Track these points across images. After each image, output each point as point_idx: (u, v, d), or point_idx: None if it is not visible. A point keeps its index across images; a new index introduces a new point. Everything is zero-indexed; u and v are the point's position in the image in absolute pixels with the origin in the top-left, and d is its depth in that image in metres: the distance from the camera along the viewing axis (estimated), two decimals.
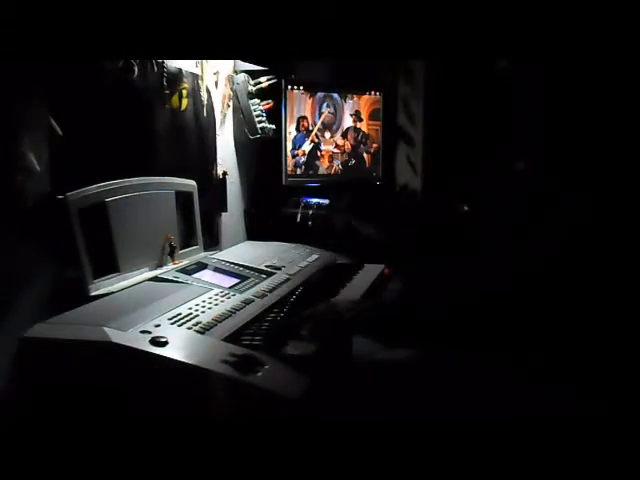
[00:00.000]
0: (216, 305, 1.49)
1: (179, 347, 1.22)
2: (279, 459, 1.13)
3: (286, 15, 1.46)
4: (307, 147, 2.87)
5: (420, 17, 1.43)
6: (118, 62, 1.75)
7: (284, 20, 1.46)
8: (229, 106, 2.50)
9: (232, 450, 1.14)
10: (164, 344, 1.21)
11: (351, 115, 3.03)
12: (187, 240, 2.03)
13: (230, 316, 1.43)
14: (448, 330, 1.27)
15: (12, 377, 1.26)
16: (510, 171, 1.33)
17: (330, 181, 2.97)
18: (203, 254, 2.03)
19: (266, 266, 1.90)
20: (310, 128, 2.88)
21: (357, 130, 3.05)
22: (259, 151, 2.73)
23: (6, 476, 1.26)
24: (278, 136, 2.69)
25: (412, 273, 2.17)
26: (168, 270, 1.75)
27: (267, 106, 2.57)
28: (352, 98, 3.03)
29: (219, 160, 2.42)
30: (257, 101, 2.52)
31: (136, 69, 1.82)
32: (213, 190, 2.38)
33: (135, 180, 1.74)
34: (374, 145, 3.12)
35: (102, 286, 1.56)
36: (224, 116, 2.47)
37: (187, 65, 2.14)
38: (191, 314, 1.39)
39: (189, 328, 1.32)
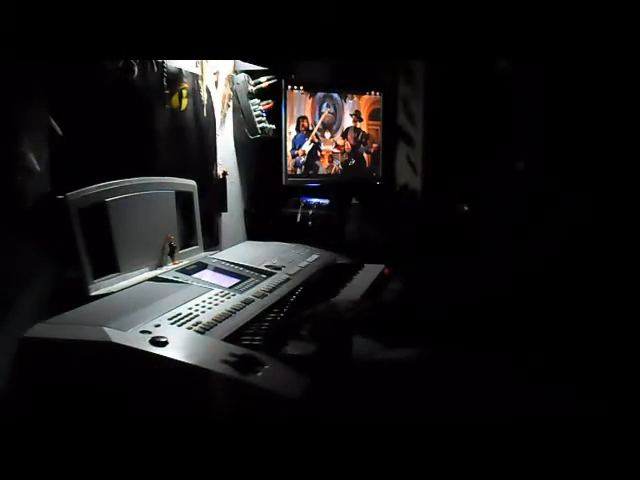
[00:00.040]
0: (216, 305, 1.49)
1: (179, 347, 1.22)
2: (279, 459, 1.13)
3: (286, 15, 1.46)
4: (307, 147, 2.87)
5: (420, 17, 1.43)
6: (118, 62, 1.75)
7: (284, 20, 1.46)
8: (229, 106, 2.50)
9: (232, 450, 1.14)
10: (164, 344, 1.21)
11: (351, 115, 3.03)
12: (187, 240, 2.03)
13: (230, 316, 1.43)
14: (448, 330, 1.27)
15: (12, 377, 1.26)
16: (510, 171, 1.33)
17: (330, 181, 2.97)
18: (203, 254, 2.03)
19: (266, 266, 1.90)
20: (310, 128, 2.88)
21: (357, 130, 3.05)
22: (259, 151, 2.73)
23: (6, 476, 1.26)
24: (278, 136, 2.69)
25: (412, 273, 2.17)
26: (168, 270, 1.75)
27: (267, 106, 2.57)
28: (352, 98, 3.03)
29: (219, 160, 2.42)
30: (257, 101, 2.52)
31: (136, 69, 1.82)
32: (213, 190, 2.38)
33: (135, 180, 1.74)
34: (374, 145, 3.12)
35: (102, 286, 1.56)
36: (224, 116, 2.47)
37: (187, 65, 2.14)
38: (191, 314, 1.39)
39: (189, 328, 1.32)
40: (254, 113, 2.50)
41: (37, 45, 1.31)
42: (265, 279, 1.77)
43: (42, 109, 1.46)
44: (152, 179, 1.83)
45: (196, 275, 1.72)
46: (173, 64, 2.04)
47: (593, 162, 1.19)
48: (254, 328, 1.42)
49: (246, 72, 2.51)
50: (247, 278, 1.75)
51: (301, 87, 2.83)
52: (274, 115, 2.63)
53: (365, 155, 3.10)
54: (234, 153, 2.60)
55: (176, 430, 1.16)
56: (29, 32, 1.29)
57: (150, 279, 1.66)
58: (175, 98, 2.08)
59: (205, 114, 2.28)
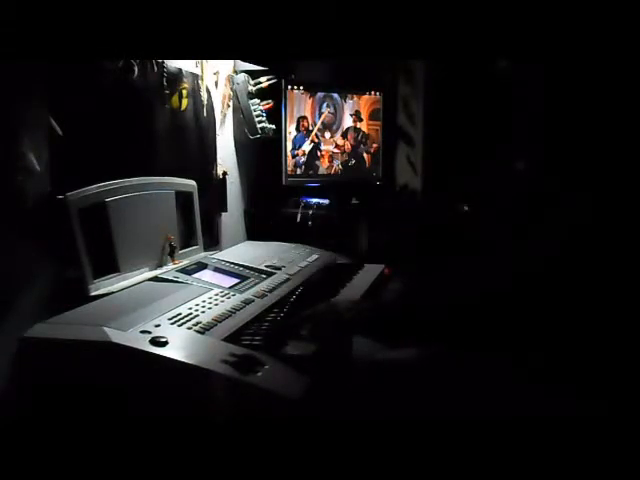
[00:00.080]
0: (216, 305, 1.49)
1: (179, 347, 1.22)
2: (279, 459, 1.13)
3: (286, 15, 1.46)
4: (307, 147, 2.87)
5: (420, 17, 1.43)
6: (118, 62, 1.75)
7: (284, 20, 1.46)
8: (229, 106, 2.50)
9: (232, 450, 1.14)
10: (164, 344, 1.21)
11: (351, 115, 3.03)
12: (187, 240, 2.03)
13: (230, 316, 1.43)
14: (448, 330, 1.27)
15: (12, 377, 1.26)
16: (510, 171, 1.33)
17: (330, 181, 2.97)
18: (203, 254, 2.03)
19: (266, 266, 1.90)
20: (310, 128, 2.88)
21: (357, 130, 3.05)
22: (259, 151, 2.73)
23: (6, 476, 1.26)
24: (278, 136, 2.69)
25: (412, 273, 2.17)
26: (168, 270, 1.75)
27: (267, 106, 2.57)
28: (352, 98, 3.03)
29: (219, 160, 2.43)
30: (257, 101, 2.52)
31: (136, 69, 1.82)
32: (213, 190, 2.38)
33: (135, 180, 1.74)
34: (374, 145, 3.12)
35: (102, 286, 1.56)
36: (224, 116, 2.47)
37: (187, 65, 2.14)
38: (191, 314, 1.39)
39: (189, 328, 1.32)
40: (254, 113, 2.50)
41: (37, 45, 1.31)
42: (265, 279, 1.77)
43: (42, 109, 1.46)
44: (152, 179, 1.83)
45: (196, 275, 1.72)
46: (173, 64, 2.04)
47: (593, 162, 1.19)
48: (254, 328, 1.42)
49: (246, 72, 2.51)
50: (247, 278, 1.75)
51: (301, 87, 2.83)
52: (274, 115, 2.63)
53: (365, 155, 3.10)
54: (234, 153, 2.60)
55: (176, 430, 1.16)
56: (29, 32, 1.29)
57: (150, 279, 1.66)
58: (175, 98, 2.08)
59: (205, 114, 2.28)
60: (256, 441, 1.13)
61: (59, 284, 1.46)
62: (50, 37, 1.31)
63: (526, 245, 1.22)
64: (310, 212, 2.73)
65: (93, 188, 1.57)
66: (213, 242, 2.35)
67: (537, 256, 1.19)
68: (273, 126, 2.59)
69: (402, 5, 1.45)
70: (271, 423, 1.13)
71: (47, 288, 1.43)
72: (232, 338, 1.33)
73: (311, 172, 2.90)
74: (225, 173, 2.45)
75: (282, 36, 1.48)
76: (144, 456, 1.18)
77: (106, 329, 1.24)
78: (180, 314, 1.38)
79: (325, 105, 2.93)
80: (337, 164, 3.00)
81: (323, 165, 2.95)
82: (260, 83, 2.54)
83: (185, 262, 1.85)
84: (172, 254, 1.86)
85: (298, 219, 2.71)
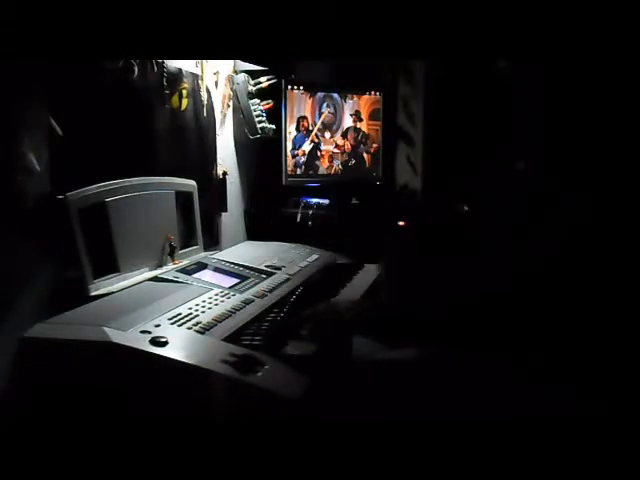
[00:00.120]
0: (216, 305, 1.49)
1: (179, 347, 1.22)
2: (279, 459, 1.13)
3: (286, 15, 1.46)
4: (307, 147, 2.87)
5: (420, 17, 1.43)
6: (118, 62, 1.75)
7: (284, 20, 1.46)
8: (229, 106, 2.50)
9: (232, 450, 1.14)
10: (164, 344, 1.21)
11: (351, 115, 3.03)
12: (187, 240, 2.03)
13: (230, 316, 1.43)
14: (448, 330, 1.27)
15: (12, 377, 1.26)
16: (510, 171, 1.33)
17: (330, 181, 2.97)
18: (203, 254, 2.03)
19: (266, 266, 1.90)
20: (310, 128, 2.88)
21: (357, 130, 3.05)
22: (259, 151, 2.73)
23: (6, 476, 1.26)
24: (278, 136, 2.69)
25: (412, 273, 2.17)
26: (168, 270, 1.75)
27: (267, 106, 2.58)
28: (352, 98, 3.03)
29: (219, 160, 2.43)
30: (257, 101, 2.52)
31: (136, 69, 1.82)
32: (213, 190, 2.38)
33: (135, 180, 1.74)
34: (374, 145, 3.12)
35: (102, 286, 1.56)
36: (224, 116, 2.47)
37: (187, 65, 2.14)
38: (191, 314, 1.39)
39: (189, 328, 1.32)
40: (254, 113, 2.50)
41: (37, 45, 1.31)
42: (265, 279, 1.77)
43: (42, 109, 1.46)
44: (152, 179, 1.83)
45: (196, 275, 1.72)
46: (173, 64, 2.04)
47: (593, 162, 1.19)
48: (254, 328, 1.42)
49: (246, 72, 2.51)
50: (247, 278, 1.75)
51: (301, 87, 2.83)
52: (274, 115, 2.63)
53: (365, 155, 3.10)
54: (234, 153, 2.60)
55: (176, 430, 1.16)
56: (29, 32, 1.29)
57: (150, 279, 1.66)
58: (175, 98, 2.08)
59: (205, 114, 2.28)
60: (256, 441, 1.13)
61: (59, 284, 1.46)
62: (50, 37, 1.31)
63: (526, 245, 1.22)
64: (310, 212, 2.73)
65: (93, 188, 1.57)
66: (213, 242, 2.35)
67: (537, 256, 1.19)
68: (273, 126, 2.59)
69: (402, 5, 1.45)
70: (271, 423, 1.13)
71: (47, 288, 1.43)
72: (232, 338, 1.33)
73: (311, 172, 2.90)
74: (225, 173, 2.45)
75: (282, 36, 1.48)
76: (144, 456, 1.18)
77: (106, 329, 1.24)
78: (180, 314, 1.38)
79: (325, 105, 2.93)
80: (337, 164, 3.00)
81: (323, 165, 2.95)
82: (260, 83, 2.55)
83: (185, 262, 1.85)
84: (172, 254, 1.86)
85: (298, 219, 2.71)
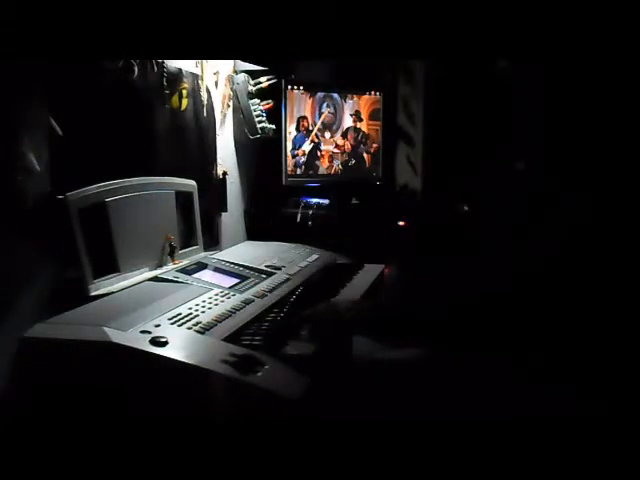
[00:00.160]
0: (216, 305, 1.49)
1: (179, 347, 1.22)
2: (279, 459, 1.13)
3: (286, 15, 1.46)
4: (307, 147, 2.87)
5: (420, 17, 1.43)
6: (118, 62, 1.75)
7: (284, 20, 1.46)
8: (229, 106, 2.50)
9: (232, 450, 1.14)
10: (164, 344, 1.21)
11: (351, 115, 3.03)
12: (187, 240, 2.03)
13: (230, 316, 1.43)
14: (448, 330, 1.27)
15: (12, 377, 1.26)
16: (510, 171, 1.33)
17: (330, 181, 2.97)
18: (203, 254, 2.03)
19: (266, 266, 1.90)
20: (310, 128, 2.88)
21: (357, 130, 3.05)
22: (259, 151, 2.73)
23: (6, 476, 1.26)
24: (278, 136, 2.69)
25: (412, 273, 2.17)
26: (168, 270, 1.75)
27: (267, 106, 2.58)
28: (352, 98, 3.03)
29: (219, 160, 2.43)
30: (257, 101, 2.52)
31: (136, 69, 1.82)
32: (213, 190, 2.38)
33: (135, 180, 1.74)
34: (374, 145, 3.12)
35: (102, 286, 1.56)
36: (224, 116, 2.47)
37: (187, 65, 2.14)
38: (191, 314, 1.39)
39: (189, 328, 1.32)
40: (254, 113, 2.50)
41: (37, 45, 1.31)
42: (265, 279, 1.77)
43: (42, 109, 1.46)
44: (152, 179, 1.83)
45: (196, 275, 1.72)
46: (173, 64, 2.04)
47: (593, 162, 1.19)
48: (254, 328, 1.42)
49: (246, 72, 2.51)
50: (247, 278, 1.75)
51: (301, 87, 2.83)
52: (274, 115, 2.63)
53: (365, 155, 3.10)
54: (234, 153, 2.60)
55: (176, 430, 1.16)
56: (29, 32, 1.29)
57: (150, 279, 1.66)
58: (175, 98, 2.08)
59: (205, 114, 2.28)
60: (256, 441, 1.13)
61: (59, 284, 1.46)
62: (50, 37, 1.31)
63: (526, 245, 1.22)
64: (310, 212, 2.73)
65: (93, 188, 1.57)
66: (213, 242, 2.35)
67: (537, 256, 1.19)
68: (273, 126, 2.59)
69: (402, 5, 1.45)
70: (271, 423, 1.13)
71: (47, 288, 1.43)
72: (232, 338, 1.33)
73: (311, 172, 2.90)
74: (225, 173, 2.45)
75: (282, 36, 1.48)
76: (144, 456, 1.18)
77: (106, 329, 1.24)
78: (180, 314, 1.38)
79: (325, 105, 2.93)
80: (337, 164, 3.00)
81: (323, 165, 2.95)
82: (260, 83, 2.55)
83: (185, 262, 1.85)
84: (172, 254, 1.86)
85: (298, 219, 2.71)
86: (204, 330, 1.32)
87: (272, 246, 2.24)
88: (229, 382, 1.15)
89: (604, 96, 1.18)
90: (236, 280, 1.72)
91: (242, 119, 2.52)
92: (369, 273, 2.05)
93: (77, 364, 1.23)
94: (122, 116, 1.78)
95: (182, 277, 1.67)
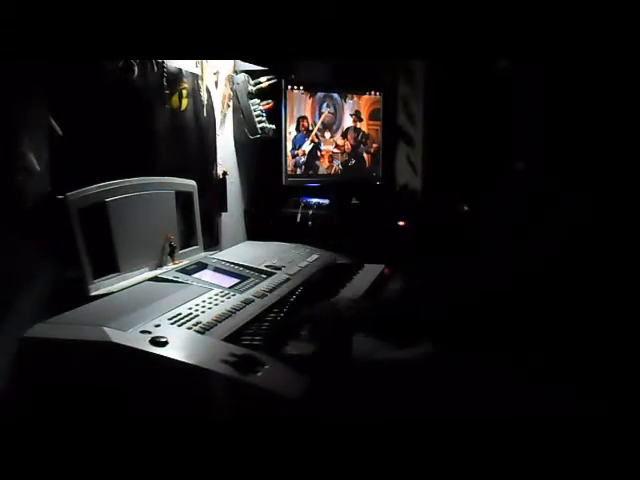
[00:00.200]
0: (216, 305, 1.49)
1: (179, 347, 1.22)
2: (279, 459, 1.13)
3: (286, 15, 1.46)
4: (307, 147, 2.87)
5: (420, 17, 1.43)
6: (118, 62, 1.75)
7: (284, 20, 1.46)
8: (229, 106, 2.50)
9: (232, 450, 1.14)
10: (164, 344, 1.21)
11: (351, 115, 3.03)
12: (187, 240, 2.03)
13: (230, 316, 1.43)
14: (448, 330, 1.27)
15: (12, 377, 1.26)
16: (510, 171, 1.33)
17: (330, 181, 2.97)
18: (203, 254, 2.03)
19: (266, 266, 1.90)
20: (310, 128, 2.88)
21: (357, 130, 3.05)
22: (259, 151, 2.73)
23: (6, 476, 1.26)
24: (278, 136, 2.69)
25: (412, 273, 2.17)
26: (168, 270, 1.75)
27: (267, 106, 2.57)
28: (352, 98, 3.03)
29: (219, 160, 2.43)
30: (257, 101, 2.52)
31: (136, 69, 1.82)
32: (213, 190, 2.38)
33: (135, 180, 1.74)
34: (374, 145, 3.12)
35: (102, 286, 1.56)
36: (224, 116, 2.47)
37: (187, 65, 2.14)
38: (191, 314, 1.39)
39: (189, 328, 1.32)
40: (254, 113, 2.50)
41: (37, 45, 1.31)
42: (265, 279, 1.77)
43: (42, 109, 1.46)
44: (152, 179, 1.83)
45: (196, 275, 1.72)
46: (173, 64, 2.04)
47: (593, 162, 1.19)
48: (254, 328, 1.42)
49: (246, 72, 2.51)
50: (247, 278, 1.75)
51: (301, 87, 2.83)
52: (274, 115, 2.63)
53: (365, 155, 3.10)
54: (234, 153, 2.60)
55: (176, 430, 1.16)
56: (29, 32, 1.29)
57: (150, 279, 1.66)
58: (175, 98, 2.08)
59: (205, 114, 2.28)
60: (256, 441, 1.13)
61: (59, 284, 1.46)
62: (50, 37, 1.31)
63: (526, 245, 1.22)
64: (310, 212, 2.73)
65: (93, 188, 1.57)
66: (213, 242, 2.35)
67: (537, 256, 1.19)
68: (273, 126, 2.58)
69: (402, 5, 1.45)
70: (271, 423, 1.13)
71: (47, 288, 1.43)
72: (232, 338, 1.33)
73: (311, 172, 2.90)
74: (225, 173, 2.45)
75: (282, 36, 1.48)
76: (144, 456, 1.18)
77: (106, 329, 1.24)
78: (180, 314, 1.38)
79: (325, 105, 2.93)
80: (337, 164, 3.00)
81: (323, 165, 2.95)
82: (260, 83, 2.54)
83: (185, 262, 1.85)
84: (172, 254, 1.86)
85: (298, 219, 2.71)
86: (204, 330, 1.32)
87: (272, 246, 2.24)
88: (229, 382, 1.15)
89: (604, 96, 1.18)
90: (236, 280, 1.72)
91: (242, 119, 2.52)
92: (369, 273, 2.05)
93: (77, 364, 1.23)
94: (122, 116, 1.78)
95: (182, 277, 1.67)
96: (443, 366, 1.27)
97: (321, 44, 1.54)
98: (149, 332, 1.25)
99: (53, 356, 1.24)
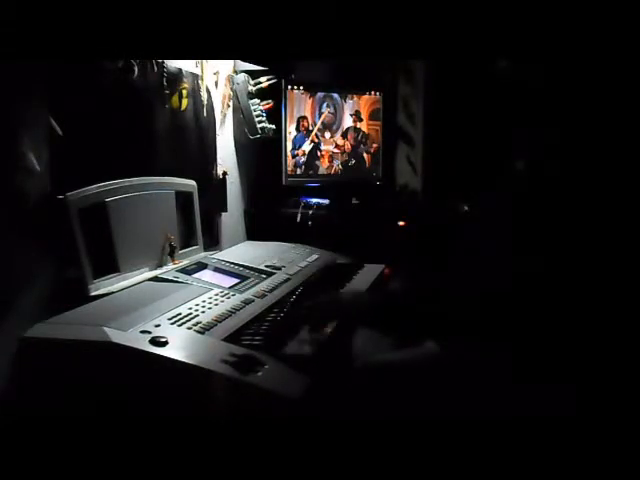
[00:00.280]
0: (216, 305, 1.49)
1: (179, 347, 1.22)
2: (279, 459, 1.13)
3: (286, 15, 1.46)
4: (307, 147, 2.87)
5: (420, 17, 1.43)
6: (118, 62, 1.75)
7: (284, 20, 1.46)
8: (229, 106, 2.50)
9: (232, 450, 1.14)
10: (164, 344, 1.21)
11: (351, 115, 3.03)
12: (187, 240, 2.03)
13: (230, 316, 1.43)
14: (448, 328, 1.27)
15: (12, 377, 1.26)
16: (510, 171, 1.33)
17: (330, 181, 2.97)
18: (203, 254, 2.03)
19: (266, 266, 1.90)
20: (310, 128, 2.88)
21: (357, 130, 3.05)
22: (259, 151, 2.73)
23: (6, 476, 1.26)
24: (278, 136, 2.69)
25: (412, 273, 2.17)
26: (168, 270, 1.75)
27: (267, 106, 2.57)
28: (352, 98, 3.03)
29: (219, 160, 2.42)
30: (257, 101, 2.52)
31: (136, 69, 1.82)
32: (213, 190, 2.38)
33: (135, 180, 1.74)
34: (374, 145, 3.12)
35: (102, 286, 1.56)
36: (224, 116, 2.47)
37: (187, 65, 2.14)
38: (191, 314, 1.39)
39: (189, 328, 1.32)
40: (254, 113, 2.50)
41: (37, 45, 1.31)
42: (265, 279, 1.77)
43: (42, 109, 1.46)
44: (152, 179, 1.83)
45: (196, 275, 1.72)
46: (173, 64, 2.04)
47: (593, 162, 1.19)
48: (254, 328, 1.42)
49: (246, 72, 2.51)
50: (247, 278, 1.75)
51: (301, 87, 2.83)
52: (274, 115, 2.63)
53: (365, 155, 3.10)
54: (234, 153, 2.60)
55: (176, 430, 1.16)
56: (29, 32, 1.29)
57: (150, 279, 1.66)
58: (175, 98, 2.08)
59: (205, 114, 2.28)
60: (256, 441, 1.13)
61: (59, 284, 1.46)
62: (50, 37, 1.31)
63: (526, 245, 1.21)
64: (310, 212, 2.73)
65: (93, 188, 1.57)
66: (213, 242, 2.35)
67: (537, 256, 1.19)
68: (273, 126, 2.58)
69: (402, 5, 1.45)
70: (271, 423, 1.13)
71: (47, 288, 1.43)
72: (232, 338, 1.33)
73: (311, 172, 2.90)
74: (225, 173, 2.45)
75: (282, 36, 1.48)
76: (144, 456, 1.18)
77: (106, 329, 1.24)
78: (180, 314, 1.38)
79: (325, 105, 2.93)
80: (337, 164, 3.00)
81: (323, 165, 2.95)
82: (260, 83, 2.54)
83: (185, 262, 1.85)
84: (172, 254, 1.86)
85: (298, 219, 2.71)
86: (204, 330, 1.32)
87: (272, 246, 2.24)
88: (229, 382, 1.15)
89: (604, 96, 1.18)
90: (236, 280, 1.72)
91: (242, 119, 2.52)
92: (369, 273, 2.05)
93: (77, 364, 1.23)
94: (122, 116, 1.78)
95: (182, 277, 1.67)
96: (442, 366, 1.27)
97: (321, 44, 1.54)
98: (149, 332, 1.25)
99: (53, 356, 1.24)
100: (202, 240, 2.09)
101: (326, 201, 2.81)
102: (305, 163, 2.87)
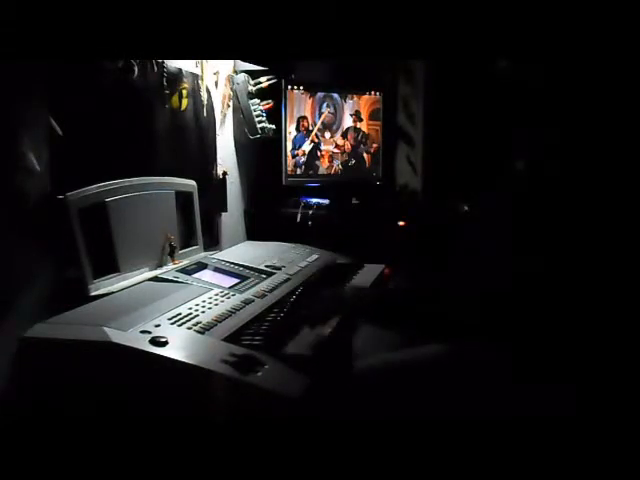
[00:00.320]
0: (216, 305, 1.49)
1: (179, 347, 1.22)
2: (279, 459, 1.13)
3: (286, 15, 1.46)
4: (307, 147, 2.87)
5: (420, 17, 1.43)
6: (118, 62, 1.75)
7: (284, 20, 1.46)
8: (229, 106, 2.50)
9: (232, 450, 1.14)
10: (164, 344, 1.21)
11: (351, 115, 3.03)
12: (187, 240, 2.03)
13: (230, 316, 1.43)
14: (448, 329, 1.27)
15: (12, 377, 1.26)
16: (510, 171, 1.33)
17: (330, 181, 2.97)
18: (203, 254, 2.03)
19: (266, 266, 1.90)
20: (310, 128, 2.88)
21: (357, 130, 3.05)
22: (259, 151, 2.73)
23: (6, 476, 1.26)
24: (278, 136, 2.69)
25: (412, 273, 2.17)
26: (168, 270, 1.75)
27: (267, 106, 2.57)
28: (352, 98, 3.03)
29: (219, 160, 2.42)
30: (257, 101, 2.52)
31: (136, 69, 1.82)
32: (213, 190, 2.38)
33: (135, 180, 1.74)
34: (374, 145, 3.12)
35: (102, 286, 1.56)
36: (224, 116, 2.47)
37: (187, 65, 2.14)
38: (191, 314, 1.39)
39: (189, 328, 1.32)
40: (254, 113, 2.50)
41: (37, 45, 1.31)
42: (265, 279, 1.77)
43: (42, 109, 1.46)
44: (152, 179, 1.83)
45: (196, 275, 1.72)
46: (173, 64, 2.04)
47: (593, 162, 1.19)
48: (254, 328, 1.42)
49: (246, 72, 2.51)
50: (247, 278, 1.75)
51: (301, 87, 2.83)
52: (274, 115, 2.63)
53: (365, 155, 3.10)
54: (234, 153, 2.60)
55: (176, 430, 1.16)
56: (29, 32, 1.29)
57: (150, 279, 1.66)
58: (175, 98, 2.08)
59: (205, 114, 2.28)
60: (256, 441, 1.13)
61: (59, 284, 1.46)
62: (50, 37, 1.31)
63: (525, 245, 1.22)
64: (310, 212, 2.72)
65: (93, 188, 1.57)
66: (213, 242, 2.35)
67: (537, 256, 1.19)
68: (273, 126, 2.58)
69: (402, 5, 1.45)
70: (271, 423, 1.13)
71: (47, 288, 1.43)
72: (232, 338, 1.33)
73: (311, 172, 2.90)
74: (225, 173, 2.45)
75: (282, 36, 1.48)
76: (144, 456, 1.18)
77: (106, 329, 1.24)
78: (180, 314, 1.38)
79: (325, 105, 2.93)
80: (337, 164, 3.00)
81: (323, 165, 2.95)
82: (260, 83, 2.54)
83: (185, 262, 1.85)
84: (172, 254, 1.86)
85: (298, 219, 2.71)
86: (204, 330, 1.32)
87: (272, 246, 2.24)
88: (229, 382, 1.15)
89: (604, 96, 1.18)
90: (236, 280, 1.72)
91: (242, 119, 2.52)
92: (369, 273, 2.05)
93: (77, 364, 1.23)
94: (122, 116, 1.78)
95: (182, 277, 1.67)
96: (442, 367, 1.27)
97: (321, 44, 1.54)
98: (149, 332, 1.25)
99: (53, 356, 1.24)
100: (202, 240, 2.09)
101: (326, 201, 2.81)
102: (305, 163, 2.87)
